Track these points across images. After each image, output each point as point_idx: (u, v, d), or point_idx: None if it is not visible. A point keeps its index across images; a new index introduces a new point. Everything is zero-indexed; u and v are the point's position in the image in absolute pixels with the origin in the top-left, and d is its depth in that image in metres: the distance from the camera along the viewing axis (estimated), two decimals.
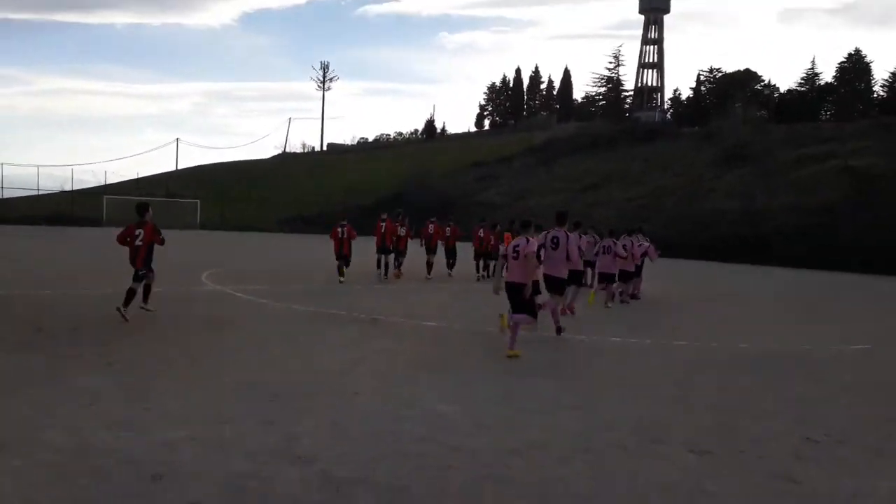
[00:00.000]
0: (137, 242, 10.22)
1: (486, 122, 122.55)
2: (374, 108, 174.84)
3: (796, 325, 13.68)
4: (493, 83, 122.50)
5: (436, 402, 6.23)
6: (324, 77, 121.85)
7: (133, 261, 10.22)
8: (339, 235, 17.07)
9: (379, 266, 18.35)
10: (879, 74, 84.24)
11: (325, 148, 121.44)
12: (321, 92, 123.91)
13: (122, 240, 10.37)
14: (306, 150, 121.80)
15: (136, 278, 10.20)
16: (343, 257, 16.89)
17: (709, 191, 56.87)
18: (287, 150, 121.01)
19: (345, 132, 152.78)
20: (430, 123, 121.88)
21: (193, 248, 28.97)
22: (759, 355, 9.66)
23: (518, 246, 8.90)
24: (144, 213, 10.50)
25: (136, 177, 69.98)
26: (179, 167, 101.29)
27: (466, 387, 6.87)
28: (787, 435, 5.78)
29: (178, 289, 13.97)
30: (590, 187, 66.44)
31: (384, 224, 18.19)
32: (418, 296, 15.27)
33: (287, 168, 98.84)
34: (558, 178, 72.07)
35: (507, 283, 8.97)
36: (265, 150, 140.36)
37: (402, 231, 18.72)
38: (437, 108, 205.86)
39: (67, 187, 59.64)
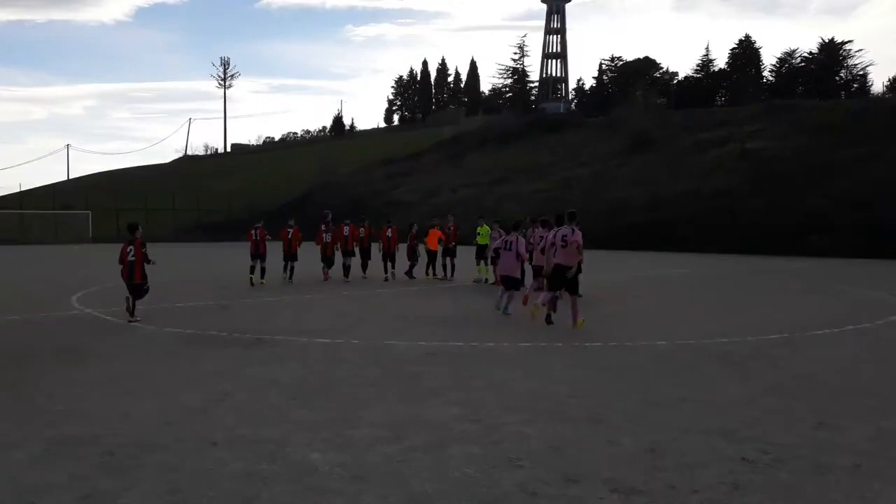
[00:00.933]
0: (130, 258, 11.47)
1: (396, 118, 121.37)
2: (280, 106, 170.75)
3: (710, 315, 13.27)
4: (401, 77, 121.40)
5: (308, 448, 5.15)
6: (224, 74, 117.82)
7: (131, 276, 11.46)
8: (254, 238, 17.87)
9: (285, 271, 18.70)
10: (768, 60, 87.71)
11: (229, 149, 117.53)
12: (222, 90, 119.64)
13: (121, 258, 11.69)
14: (209, 153, 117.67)
15: (137, 291, 11.49)
16: (259, 256, 17.70)
17: (613, 179, 57.76)
18: (189, 152, 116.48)
19: (250, 132, 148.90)
20: (338, 120, 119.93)
21: (76, 265, 26.67)
22: (677, 353, 9.00)
23: (566, 235, 10.79)
24: (135, 230, 11.82)
25: (19, 189, 64.99)
26: (72, 176, 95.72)
27: (347, 423, 5.80)
28: (719, 458, 5.01)
29: (37, 315, 12.28)
30: (498, 180, 66.45)
31: (290, 230, 18.91)
32: (317, 306, 14.06)
33: (189, 172, 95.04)
34: (468, 172, 71.83)
35: (555, 264, 10.78)
36: (165, 154, 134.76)
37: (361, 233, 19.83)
38: (345, 104, 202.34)
39: None
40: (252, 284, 17.56)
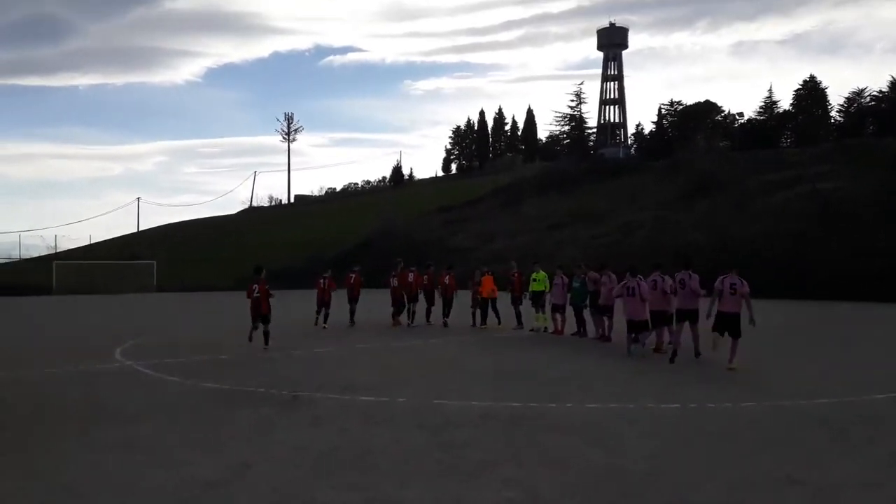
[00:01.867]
0: (255, 294, 14.18)
1: (454, 167, 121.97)
2: (341, 158, 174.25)
3: (801, 370, 11.88)
4: (458, 126, 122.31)
5: None
6: (288, 128, 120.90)
7: (257, 308, 14.09)
8: (322, 286, 19.02)
9: (320, 320, 19.00)
10: (835, 100, 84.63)
11: (292, 200, 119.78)
12: (286, 144, 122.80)
13: (248, 294, 14.64)
14: (273, 203, 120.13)
15: (264, 321, 14.10)
16: (325, 304, 18.79)
17: (676, 223, 55.85)
18: (254, 204, 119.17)
19: (312, 183, 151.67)
20: (397, 170, 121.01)
21: (130, 314, 26.68)
22: (771, 418, 7.81)
23: (735, 284, 11.57)
24: (260, 272, 14.75)
25: (89, 241, 67.17)
26: (142, 228, 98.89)
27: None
28: None
29: (76, 367, 11.82)
30: (556, 226, 65.13)
31: (325, 280, 19.28)
32: (368, 357, 13.24)
33: (253, 223, 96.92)
34: (525, 218, 70.85)
35: (722, 313, 11.52)
36: (232, 206, 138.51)
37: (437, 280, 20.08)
38: (403, 154, 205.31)
39: (15, 255, 56.94)
40: (316, 324, 18.69)
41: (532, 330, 18.16)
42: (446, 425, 7.36)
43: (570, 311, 17.04)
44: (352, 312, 19.43)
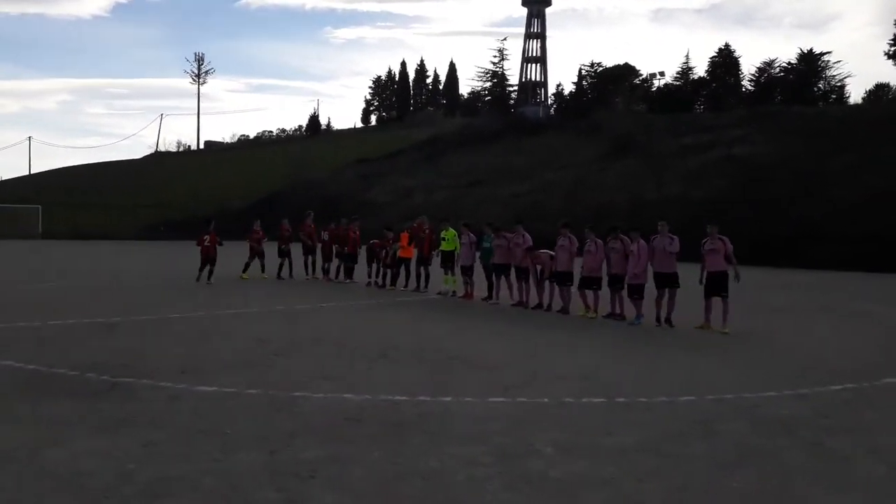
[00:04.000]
0: (206, 243, 17.17)
1: (373, 118, 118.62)
2: (257, 105, 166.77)
3: (732, 351, 10.55)
4: (379, 77, 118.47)
5: None
6: (199, 70, 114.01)
7: (206, 256, 17.11)
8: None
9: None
10: (746, 69, 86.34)
11: (201, 146, 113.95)
12: (196, 86, 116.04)
13: (199, 242, 17.58)
14: (181, 149, 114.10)
15: (212, 263, 17.23)
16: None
17: (596, 184, 55.40)
18: (161, 149, 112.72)
19: (225, 130, 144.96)
20: (313, 119, 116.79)
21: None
22: (716, 417, 6.27)
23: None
24: (209, 223, 18.23)
25: None
26: (38, 170, 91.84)
27: None
28: None
29: None
30: (476, 183, 63.87)
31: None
32: (238, 329, 11.11)
33: (159, 169, 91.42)
34: (444, 174, 69.15)
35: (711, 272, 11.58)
36: (138, 150, 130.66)
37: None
38: (321, 103, 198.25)
39: None
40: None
41: (439, 293, 16.42)
42: (296, 435, 5.43)
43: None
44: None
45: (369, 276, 18.30)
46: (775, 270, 28.05)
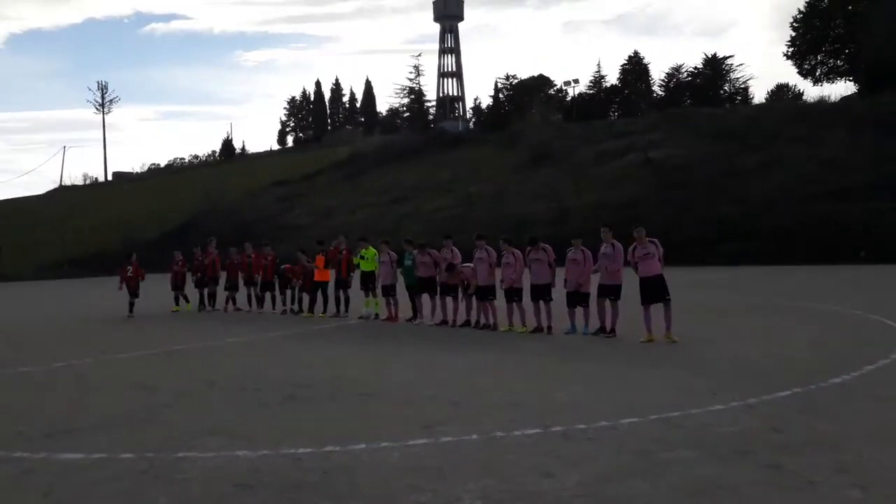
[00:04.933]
0: (129, 274, 17.98)
1: (290, 140, 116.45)
2: (167, 133, 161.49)
3: (666, 361, 10.02)
4: (294, 98, 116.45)
5: None
6: (102, 99, 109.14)
7: (130, 286, 17.82)
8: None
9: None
10: (656, 75, 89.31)
11: (109, 178, 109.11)
12: (101, 116, 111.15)
13: (121, 274, 18.27)
14: (88, 182, 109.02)
15: (134, 295, 17.79)
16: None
17: (517, 194, 55.55)
18: (66, 182, 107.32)
19: (135, 160, 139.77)
20: (227, 144, 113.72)
21: None
22: (659, 440, 5.58)
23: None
24: (131, 256, 18.71)
25: None
26: None
27: None
28: None
29: None
30: (398, 200, 63.17)
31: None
32: (133, 373, 9.86)
33: (63, 204, 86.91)
34: (366, 192, 68.17)
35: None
36: (42, 185, 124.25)
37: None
38: (234, 127, 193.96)
39: None
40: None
41: (361, 317, 15.44)
42: None
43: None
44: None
45: (283, 304, 17.21)
46: (695, 269, 28.23)
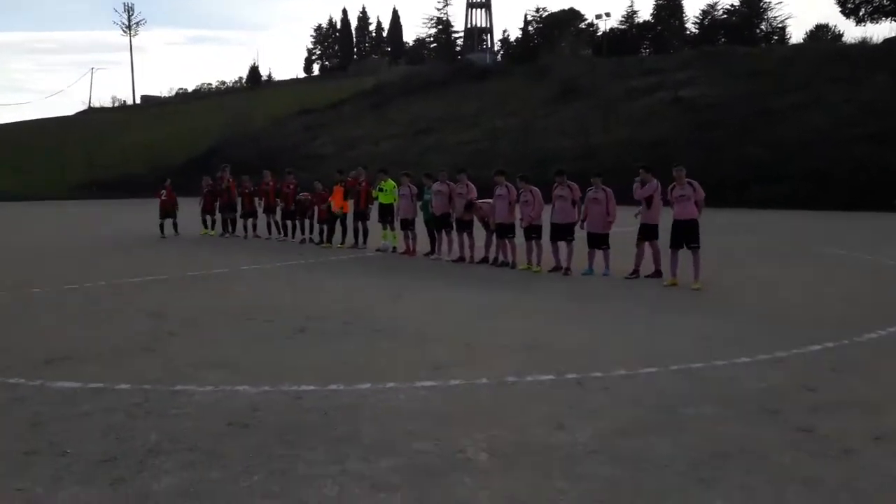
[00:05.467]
0: (163, 197, 18.77)
1: (316, 68, 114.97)
2: (195, 58, 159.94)
3: (690, 305, 9.64)
4: (321, 25, 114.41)
5: None
6: (129, 21, 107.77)
7: (164, 208, 18.72)
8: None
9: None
10: (691, 12, 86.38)
11: (138, 101, 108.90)
12: (128, 38, 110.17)
13: (157, 195, 19.18)
14: (116, 105, 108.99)
15: (173, 216, 18.77)
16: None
17: (544, 129, 54.40)
18: (94, 104, 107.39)
19: (162, 84, 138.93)
20: (254, 70, 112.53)
21: None
22: (686, 397, 5.26)
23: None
24: (165, 180, 19.44)
25: None
26: None
27: None
28: None
29: None
30: (423, 131, 62.26)
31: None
32: (141, 301, 9.71)
33: (92, 126, 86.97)
34: (390, 123, 67.23)
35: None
36: (71, 106, 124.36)
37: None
38: (261, 54, 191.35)
39: None
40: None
41: (379, 250, 15.16)
42: (158, 452, 4.20)
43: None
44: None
45: (302, 233, 17.00)
46: (725, 211, 27.48)
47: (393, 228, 15.07)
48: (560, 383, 5.53)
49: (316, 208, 16.45)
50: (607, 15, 78.27)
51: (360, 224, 15.75)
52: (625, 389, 5.40)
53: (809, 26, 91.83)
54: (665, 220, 10.86)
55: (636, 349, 6.62)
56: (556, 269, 11.83)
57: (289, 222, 17.50)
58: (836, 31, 74.07)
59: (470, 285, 10.64)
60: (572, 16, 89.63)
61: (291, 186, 17.35)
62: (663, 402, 5.06)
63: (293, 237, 17.30)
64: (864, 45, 54.84)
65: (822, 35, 75.35)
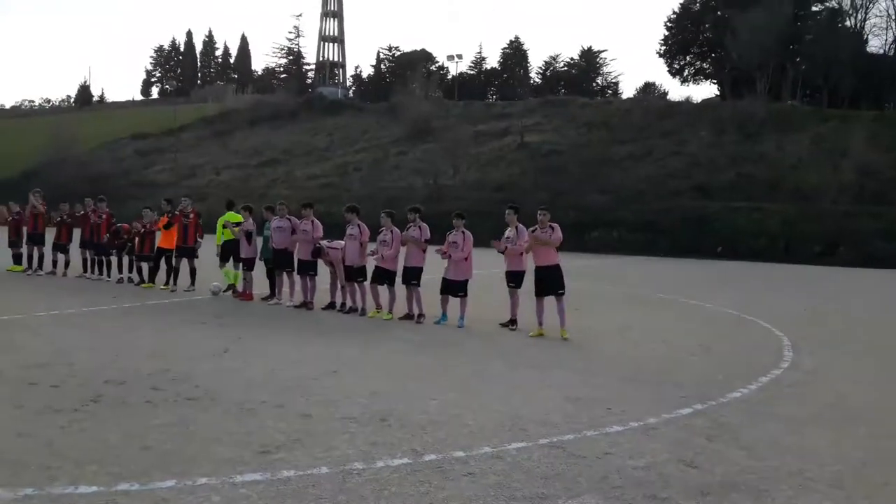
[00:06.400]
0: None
1: (155, 91, 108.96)
2: (17, 71, 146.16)
3: (541, 354, 9.12)
4: (162, 46, 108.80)
5: None
6: None
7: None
8: None
9: None
10: (535, 62, 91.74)
11: None
12: None
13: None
14: None
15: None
16: None
17: (395, 168, 54.27)
18: None
19: None
20: (84, 89, 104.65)
21: None
22: (555, 467, 4.49)
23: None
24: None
25: None
26: None
27: None
28: None
29: None
30: (269, 162, 60.24)
31: None
32: None
33: None
34: (235, 152, 64.53)
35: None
36: None
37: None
38: (93, 71, 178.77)
39: None
40: None
41: (213, 292, 13.56)
42: None
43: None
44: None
45: (120, 271, 15.04)
46: (568, 255, 28.11)
47: (237, 267, 13.59)
48: (417, 469, 4.61)
49: (136, 241, 14.58)
50: (459, 57, 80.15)
51: (187, 262, 14.09)
52: (492, 474, 4.56)
53: (639, 83, 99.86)
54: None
55: (500, 416, 5.84)
56: (408, 316, 11.00)
57: (105, 258, 15.40)
58: (662, 89, 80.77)
59: (313, 336, 9.51)
60: (424, 57, 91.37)
61: (104, 216, 15.31)
62: (535, 492, 4.27)
63: (108, 275, 15.25)
64: (688, 102, 59.77)
65: (650, 92, 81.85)
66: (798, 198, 37.17)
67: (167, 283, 14.08)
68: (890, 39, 59.79)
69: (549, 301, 10.02)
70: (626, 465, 4.77)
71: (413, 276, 10.96)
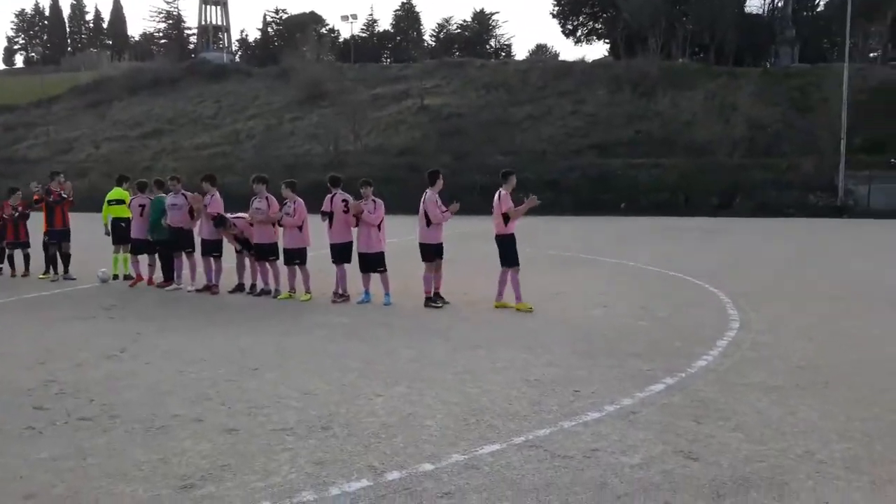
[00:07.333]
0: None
1: (19, 59, 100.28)
2: None
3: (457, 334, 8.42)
4: (24, 11, 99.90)
5: None
6: None
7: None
8: None
9: None
10: (428, 25, 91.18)
11: None
12: None
13: None
14: None
15: None
16: None
17: (291, 134, 52.11)
18: None
19: None
20: None
21: None
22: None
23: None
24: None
25: None
26: None
27: None
28: None
29: None
30: (153, 133, 56.53)
31: None
32: None
33: None
34: (114, 123, 60.25)
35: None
36: None
37: None
38: None
39: None
40: None
41: (104, 280, 12.01)
42: None
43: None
44: None
45: None
46: (473, 218, 27.66)
47: (126, 251, 12.09)
48: (381, 493, 3.76)
49: (7, 228, 12.75)
50: (354, 17, 77.65)
51: (61, 247, 12.45)
52: (472, 491, 3.79)
53: (531, 45, 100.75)
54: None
55: (460, 411, 5.08)
56: (341, 296, 10.00)
57: None
58: (554, 50, 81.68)
59: (223, 326, 8.40)
60: (313, 19, 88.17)
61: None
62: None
63: None
64: (583, 62, 60.29)
65: (543, 53, 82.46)
66: (694, 152, 38.18)
67: (46, 272, 12.40)
68: (768, 0, 62.50)
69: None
70: (621, 465, 4.11)
71: (339, 252, 10.00)
